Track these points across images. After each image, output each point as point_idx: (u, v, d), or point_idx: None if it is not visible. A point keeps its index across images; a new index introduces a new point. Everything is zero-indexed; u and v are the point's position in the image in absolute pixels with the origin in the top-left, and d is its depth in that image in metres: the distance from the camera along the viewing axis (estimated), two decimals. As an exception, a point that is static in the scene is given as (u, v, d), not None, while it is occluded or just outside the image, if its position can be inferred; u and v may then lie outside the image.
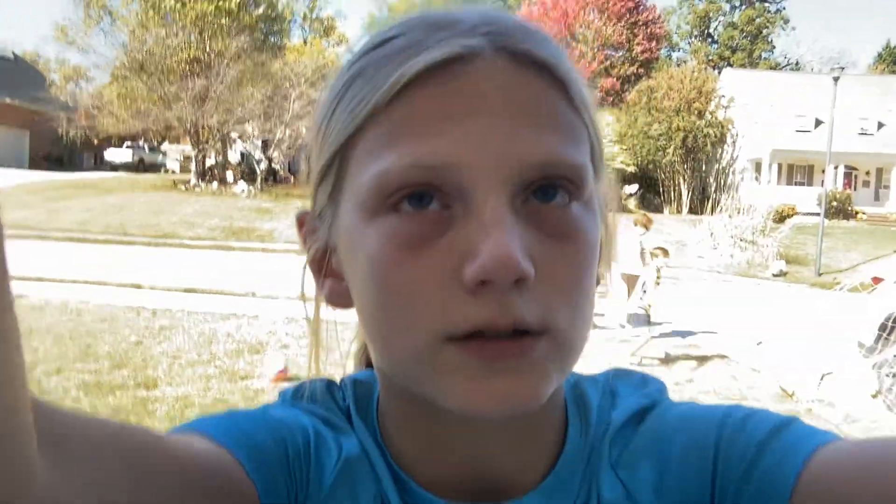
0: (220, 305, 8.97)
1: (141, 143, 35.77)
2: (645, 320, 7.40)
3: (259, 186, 27.21)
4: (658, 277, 7.40)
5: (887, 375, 6.27)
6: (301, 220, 0.48)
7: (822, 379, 5.63)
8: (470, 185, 0.37)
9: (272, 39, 31.29)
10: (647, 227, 7.94)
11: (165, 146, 38.75)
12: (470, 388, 0.37)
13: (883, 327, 5.76)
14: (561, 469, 0.46)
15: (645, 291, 7.41)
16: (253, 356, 6.55)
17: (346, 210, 0.41)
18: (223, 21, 25.92)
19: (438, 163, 0.37)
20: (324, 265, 0.46)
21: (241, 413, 0.45)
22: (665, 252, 7.64)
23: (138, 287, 10.07)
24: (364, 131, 0.39)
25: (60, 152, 33.60)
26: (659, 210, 31.20)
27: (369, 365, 0.55)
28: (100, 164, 35.85)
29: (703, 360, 6.91)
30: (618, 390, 0.51)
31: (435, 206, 0.37)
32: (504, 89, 0.38)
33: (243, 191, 26.49)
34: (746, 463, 0.42)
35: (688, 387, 6.00)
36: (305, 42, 40.16)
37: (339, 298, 0.45)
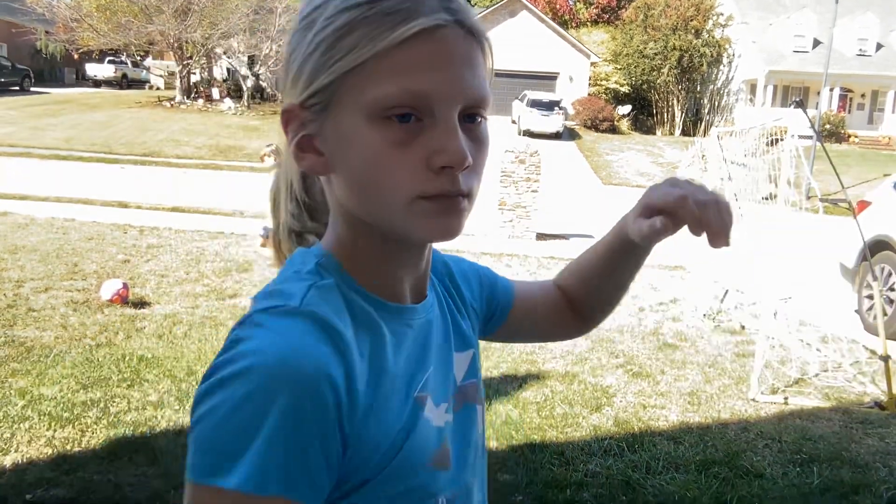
0: (208, 224, 8.94)
1: (123, 57, 34.75)
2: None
3: (246, 104, 26.61)
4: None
5: (867, 297, 6.39)
6: (288, 115, 0.64)
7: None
8: (437, 107, 0.59)
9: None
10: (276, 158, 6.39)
11: (149, 61, 37.66)
12: (432, 225, 0.61)
13: (865, 250, 5.83)
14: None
15: None
16: (241, 275, 6.58)
17: (345, 112, 0.60)
18: (205, -72, 24.76)
19: (419, 92, 0.58)
20: (309, 145, 0.64)
21: (296, 445, 0.53)
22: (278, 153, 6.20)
23: (125, 206, 10.00)
24: (367, 65, 0.59)
25: (40, 67, 32.65)
26: (651, 132, 30.94)
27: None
28: (82, 80, 34.94)
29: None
30: None
31: (413, 119, 0.59)
32: (459, 50, 0.60)
33: (230, 108, 25.94)
34: (488, 290, 0.90)
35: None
36: (291, -48, 38.49)
37: (318, 168, 0.64)
